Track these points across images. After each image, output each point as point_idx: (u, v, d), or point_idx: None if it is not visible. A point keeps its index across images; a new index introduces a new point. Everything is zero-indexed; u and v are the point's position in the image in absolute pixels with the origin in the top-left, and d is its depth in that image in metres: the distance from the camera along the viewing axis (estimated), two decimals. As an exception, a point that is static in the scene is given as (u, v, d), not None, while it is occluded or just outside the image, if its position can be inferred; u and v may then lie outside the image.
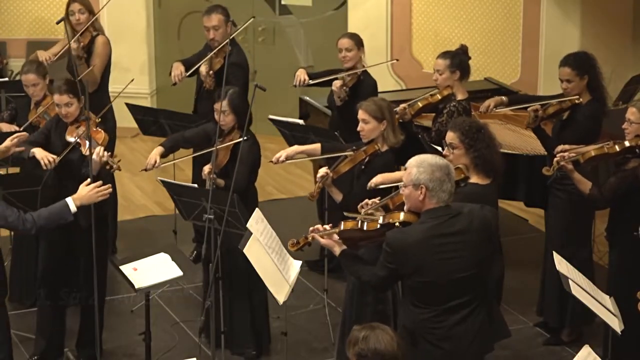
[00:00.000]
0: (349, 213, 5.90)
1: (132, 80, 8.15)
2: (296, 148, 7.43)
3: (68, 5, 8.72)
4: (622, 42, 10.44)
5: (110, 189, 6.25)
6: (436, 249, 5.25)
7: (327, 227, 5.62)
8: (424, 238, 5.24)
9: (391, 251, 5.26)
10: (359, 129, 6.92)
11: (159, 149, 7.33)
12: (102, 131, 6.98)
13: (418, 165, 5.30)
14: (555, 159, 6.83)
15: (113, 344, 7.47)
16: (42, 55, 8.79)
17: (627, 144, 6.72)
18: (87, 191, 6.18)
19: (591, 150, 6.80)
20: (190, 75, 8.53)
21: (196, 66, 8.45)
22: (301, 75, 8.46)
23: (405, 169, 5.41)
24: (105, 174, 6.94)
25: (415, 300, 5.35)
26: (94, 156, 6.64)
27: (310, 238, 5.61)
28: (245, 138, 6.65)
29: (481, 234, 5.36)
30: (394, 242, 5.26)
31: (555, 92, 7.71)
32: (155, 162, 7.24)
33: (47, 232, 7.10)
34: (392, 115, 6.95)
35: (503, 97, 7.94)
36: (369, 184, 6.62)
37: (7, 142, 6.95)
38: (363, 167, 6.91)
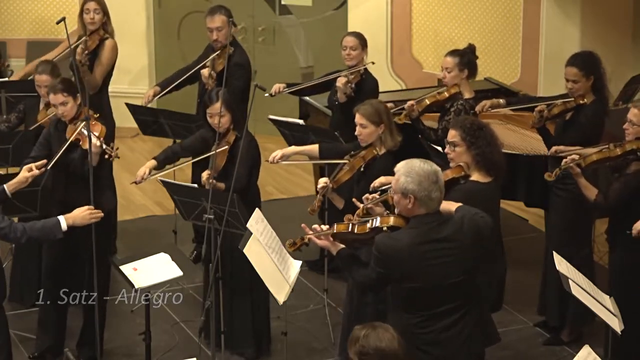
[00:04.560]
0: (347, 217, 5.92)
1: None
2: (294, 148, 7.44)
3: (83, 3, 8.60)
4: (622, 42, 10.44)
5: (102, 214, 6.32)
6: (424, 255, 5.22)
7: (323, 227, 5.62)
8: (412, 244, 5.22)
9: (380, 256, 5.25)
10: (356, 133, 6.87)
11: (152, 162, 7.29)
12: (100, 124, 6.96)
13: (406, 174, 5.26)
14: (563, 162, 6.81)
15: (113, 344, 7.47)
16: None
17: (627, 146, 6.71)
18: (80, 212, 6.27)
19: (592, 154, 6.78)
20: (167, 93, 8.62)
21: (171, 87, 8.57)
22: (276, 86, 8.54)
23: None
24: (104, 165, 7.01)
25: (404, 305, 5.33)
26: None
27: (306, 239, 5.61)
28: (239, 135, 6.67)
29: (471, 239, 5.31)
30: (382, 247, 5.25)
31: (555, 92, 7.70)
32: (144, 174, 7.23)
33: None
34: (389, 118, 6.89)
35: (500, 100, 7.92)
36: (371, 185, 6.60)
37: (25, 173, 6.54)
38: (362, 169, 6.89)
